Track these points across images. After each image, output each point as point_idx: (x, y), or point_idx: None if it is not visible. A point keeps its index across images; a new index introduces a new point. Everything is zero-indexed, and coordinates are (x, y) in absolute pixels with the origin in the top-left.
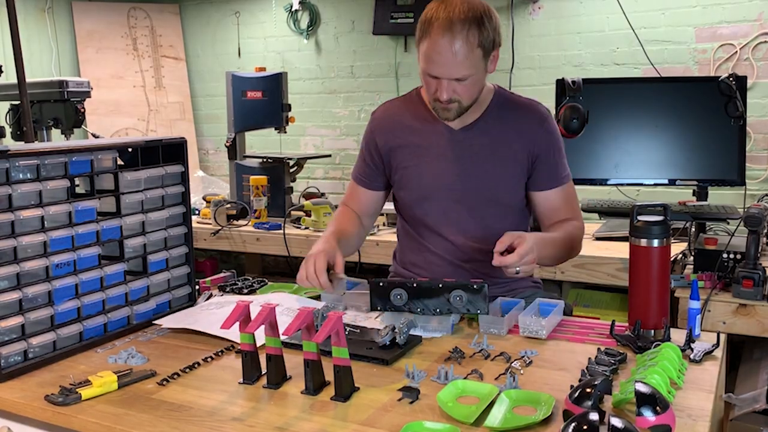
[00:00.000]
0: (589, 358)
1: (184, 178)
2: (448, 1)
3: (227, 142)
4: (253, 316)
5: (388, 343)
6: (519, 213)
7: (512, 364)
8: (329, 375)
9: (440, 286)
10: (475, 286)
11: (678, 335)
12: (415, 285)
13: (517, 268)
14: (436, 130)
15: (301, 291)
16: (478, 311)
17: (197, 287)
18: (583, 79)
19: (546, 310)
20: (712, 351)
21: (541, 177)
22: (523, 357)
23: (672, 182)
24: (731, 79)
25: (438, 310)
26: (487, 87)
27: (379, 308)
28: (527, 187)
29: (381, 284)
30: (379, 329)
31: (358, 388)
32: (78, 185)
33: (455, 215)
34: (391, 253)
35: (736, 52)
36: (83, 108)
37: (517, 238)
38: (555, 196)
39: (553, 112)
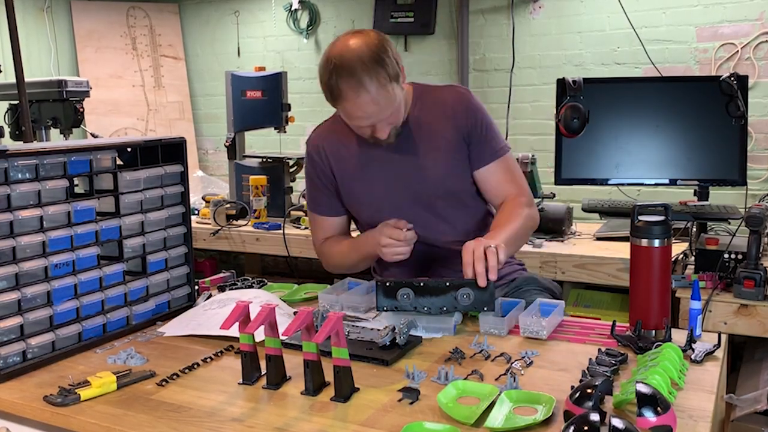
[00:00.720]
0: (590, 359)
1: (183, 178)
2: (340, 53)
3: (227, 141)
4: (252, 316)
5: (387, 343)
6: (474, 198)
7: (513, 365)
8: (329, 375)
9: (447, 285)
10: (480, 285)
11: (679, 336)
12: (422, 284)
13: (494, 258)
14: (371, 142)
15: (300, 292)
16: (485, 308)
17: (197, 287)
18: (584, 79)
19: (546, 311)
20: (713, 351)
21: (477, 154)
22: (523, 357)
23: (673, 182)
24: (732, 78)
25: (445, 309)
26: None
27: (385, 308)
28: (470, 169)
29: (387, 284)
30: (379, 329)
31: (358, 389)
32: (77, 185)
33: (413, 216)
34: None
35: (738, 51)
36: (82, 108)
37: (468, 252)
38: (495, 170)
39: (553, 111)
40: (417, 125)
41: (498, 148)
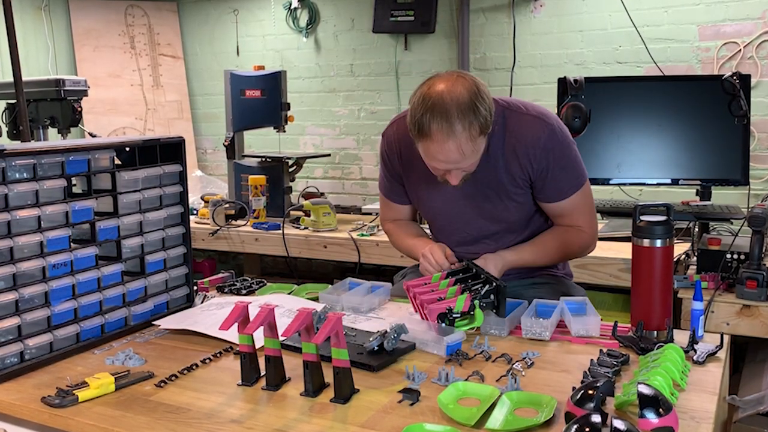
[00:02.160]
0: (592, 360)
1: (182, 178)
2: (440, 93)
3: (226, 141)
4: (252, 317)
5: (376, 348)
6: (533, 218)
7: (513, 366)
8: (329, 377)
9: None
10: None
11: (681, 336)
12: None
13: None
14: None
15: (300, 292)
16: (494, 310)
17: (195, 288)
18: (585, 78)
19: (546, 312)
20: (716, 352)
21: (542, 192)
22: (524, 358)
23: (675, 182)
24: (735, 77)
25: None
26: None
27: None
28: (535, 197)
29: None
30: (374, 332)
31: (358, 390)
32: (75, 185)
33: (465, 234)
34: (391, 253)
35: (740, 50)
36: (80, 107)
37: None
38: (565, 204)
39: (555, 111)
40: (490, 151)
41: (569, 186)
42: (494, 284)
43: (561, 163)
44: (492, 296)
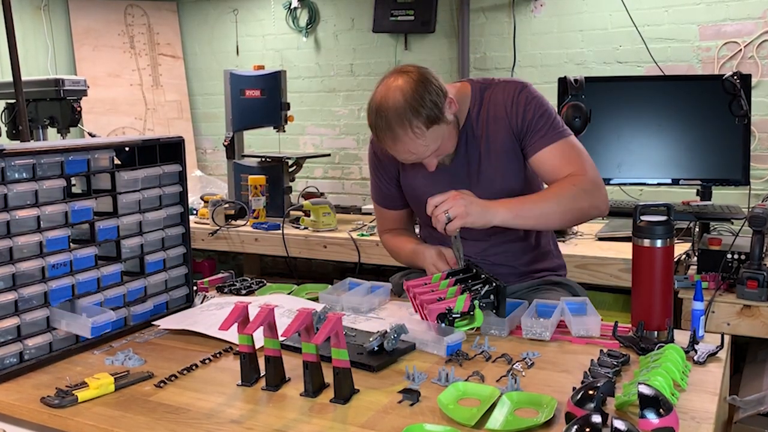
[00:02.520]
0: (592, 360)
1: (181, 178)
2: (379, 102)
3: (225, 141)
4: (251, 317)
5: (376, 348)
6: (524, 185)
7: (514, 366)
8: (328, 377)
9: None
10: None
11: (682, 337)
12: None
13: (447, 214)
14: None
15: (300, 292)
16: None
17: (195, 288)
18: (586, 78)
19: (546, 312)
20: (716, 353)
21: (529, 143)
22: (524, 359)
23: (675, 182)
24: (735, 77)
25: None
26: (462, 91)
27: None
28: (525, 158)
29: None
30: (374, 332)
31: (358, 390)
32: (74, 185)
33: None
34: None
35: (741, 50)
36: (79, 107)
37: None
38: (550, 155)
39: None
40: (474, 129)
41: (554, 133)
42: (494, 284)
43: (539, 111)
44: (492, 296)
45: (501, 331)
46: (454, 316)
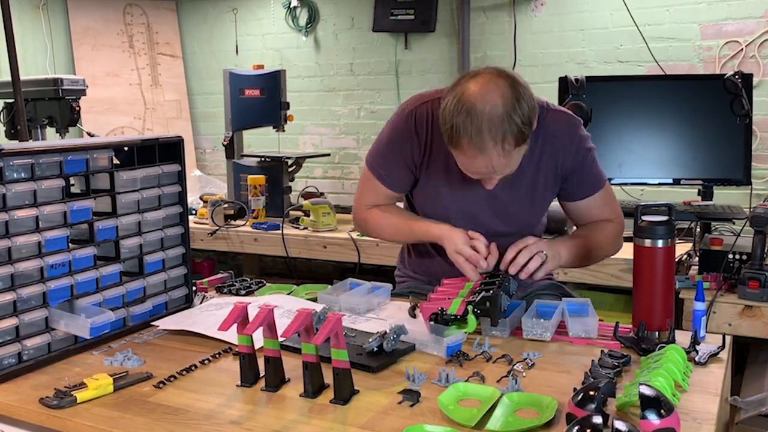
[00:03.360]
0: (593, 361)
1: (180, 178)
2: (473, 102)
3: (225, 140)
4: (251, 317)
5: (375, 349)
6: (540, 214)
7: (514, 367)
8: (328, 378)
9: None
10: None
11: (683, 337)
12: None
13: (538, 263)
14: None
15: (299, 292)
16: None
17: (194, 288)
18: (587, 77)
19: (547, 312)
20: (718, 353)
21: (573, 189)
22: (525, 359)
23: (677, 182)
24: (737, 76)
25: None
26: None
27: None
28: (560, 197)
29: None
30: (374, 332)
31: (358, 391)
32: (73, 185)
33: (474, 231)
34: (391, 253)
35: (742, 49)
36: (78, 106)
37: (521, 245)
38: (591, 203)
39: None
40: (530, 147)
41: (597, 180)
42: (490, 291)
43: (591, 156)
44: (487, 303)
45: (502, 332)
46: (446, 318)
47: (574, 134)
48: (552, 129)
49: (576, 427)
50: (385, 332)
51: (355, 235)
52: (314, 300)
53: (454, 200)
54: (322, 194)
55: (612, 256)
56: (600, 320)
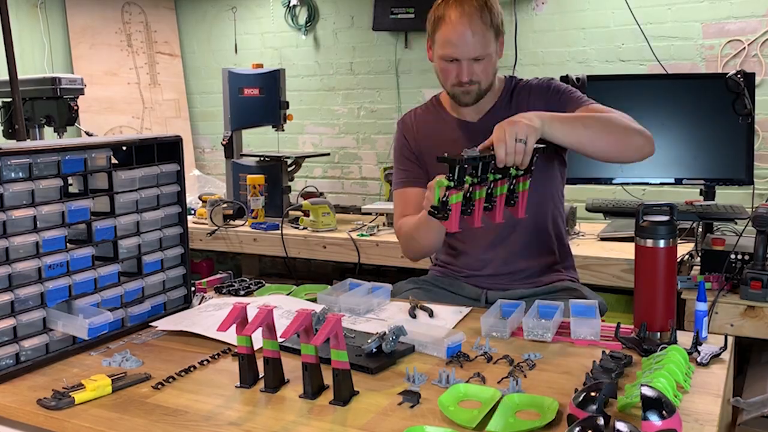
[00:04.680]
0: (594, 362)
1: (179, 177)
2: None
3: (224, 140)
4: (250, 318)
5: (374, 350)
6: (554, 198)
7: (515, 368)
8: (328, 379)
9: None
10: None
11: (685, 338)
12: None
13: (517, 139)
14: (457, 127)
15: (299, 293)
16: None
17: (193, 289)
18: (588, 76)
19: (548, 312)
20: (720, 354)
21: (565, 107)
22: (526, 360)
23: (678, 181)
24: (739, 75)
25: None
26: (498, 77)
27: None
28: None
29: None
30: (374, 333)
31: (358, 392)
32: (71, 184)
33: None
34: (390, 254)
35: (744, 48)
36: (76, 105)
37: (505, 130)
38: (585, 110)
39: None
40: (501, 113)
41: (584, 100)
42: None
43: (565, 94)
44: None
45: (502, 333)
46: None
47: (548, 82)
48: (527, 86)
49: (577, 429)
50: (384, 333)
51: (354, 235)
52: (314, 300)
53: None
54: (321, 194)
55: (641, 155)
56: (601, 321)
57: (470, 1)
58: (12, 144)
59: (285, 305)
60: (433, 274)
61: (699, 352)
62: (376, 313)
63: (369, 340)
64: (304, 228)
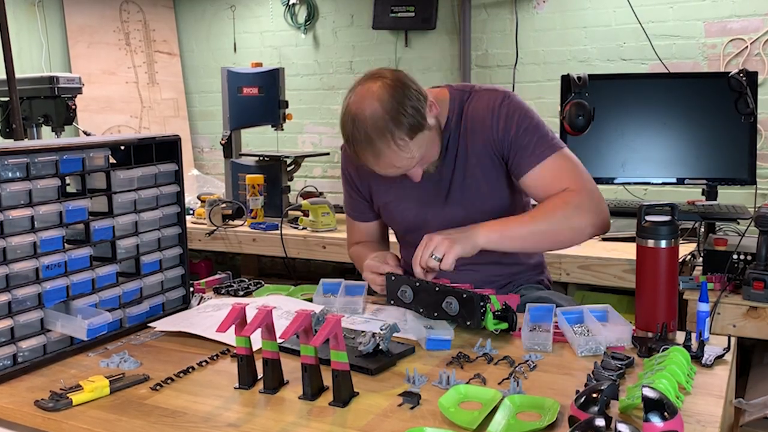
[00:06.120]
0: (595, 363)
1: (178, 177)
2: (355, 114)
3: (222, 139)
4: (249, 319)
5: (371, 350)
6: (509, 202)
7: (516, 369)
8: (327, 380)
9: (437, 289)
10: (464, 296)
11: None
12: (417, 284)
13: (434, 256)
14: None
15: (297, 293)
16: (468, 323)
17: (192, 289)
18: (589, 75)
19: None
20: (723, 355)
21: (516, 164)
22: (527, 361)
23: (680, 181)
24: (741, 74)
25: (436, 315)
26: (441, 98)
27: (392, 302)
28: (513, 178)
29: (393, 278)
30: (373, 333)
31: (357, 393)
32: (69, 184)
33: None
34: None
35: (747, 47)
36: (74, 105)
37: (425, 243)
38: (541, 174)
39: (558, 108)
40: (452, 140)
41: (543, 149)
42: (450, 293)
43: (524, 125)
44: (451, 305)
45: (544, 346)
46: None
47: (495, 108)
48: (473, 109)
49: (578, 430)
50: (374, 333)
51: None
52: (311, 301)
53: (408, 207)
54: (321, 194)
55: (594, 237)
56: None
57: (376, 132)
58: (9, 143)
59: (284, 306)
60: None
61: (701, 353)
62: (375, 314)
63: (361, 341)
64: (303, 228)
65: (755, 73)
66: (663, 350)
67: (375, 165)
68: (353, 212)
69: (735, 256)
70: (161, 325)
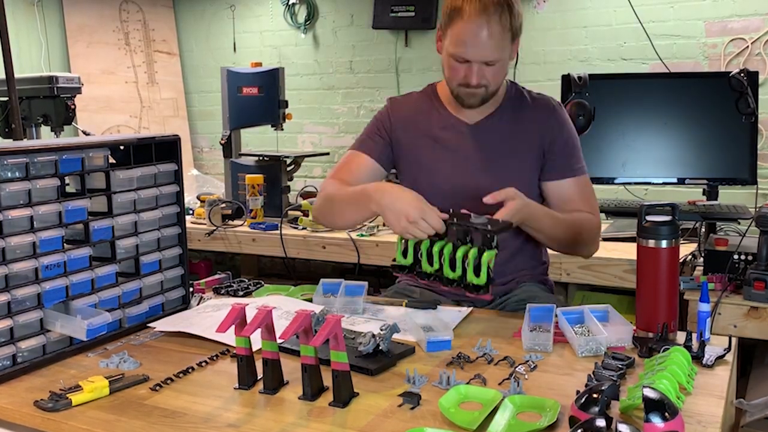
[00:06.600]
0: (596, 363)
1: (177, 177)
2: None
3: (222, 139)
4: (249, 319)
5: (371, 351)
6: (528, 192)
7: (516, 369)
8: (327, 380)
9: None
10: (483, 230)
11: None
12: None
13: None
14: (452, 125)
15: (297, 293)
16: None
17: (191, 289)
18: (590, 75)
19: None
20: (724, 355)
21: (552, 166)
22: (527, 361)
23: (681, 181)
24: (742, 74)
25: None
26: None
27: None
28: (540, 178)
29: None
30: (373, 333)
31: (357, 394)
32: (68, 184)
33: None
34: (390, 254)
35: (748, 46)
36: (73, 104)
37: (512, 196)
38: (567, 187)
39: None
40: (501, 120)
41: (576, 167)
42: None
43: (572, 137)
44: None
45: (545, 347)
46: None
47: (554, 108)
48: (534, 99)
49: (579, 431)
50: (374, 333)
51: (354, 235)
52: (311, 301)
53: (441, 173)
54: None
55: (593, 255)
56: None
57: (493, 6)
58: (9, 143)
59: (284, 306)
60: (406, 284)
61: (702, 354)
62: (375, 314)
63: (361, 341)
64: (303, 228)
65: (756, 73)
66: (664, 350)
67: (473, 22)
68: (367, 148)
69: (736, 256)
70: (161, 325)
